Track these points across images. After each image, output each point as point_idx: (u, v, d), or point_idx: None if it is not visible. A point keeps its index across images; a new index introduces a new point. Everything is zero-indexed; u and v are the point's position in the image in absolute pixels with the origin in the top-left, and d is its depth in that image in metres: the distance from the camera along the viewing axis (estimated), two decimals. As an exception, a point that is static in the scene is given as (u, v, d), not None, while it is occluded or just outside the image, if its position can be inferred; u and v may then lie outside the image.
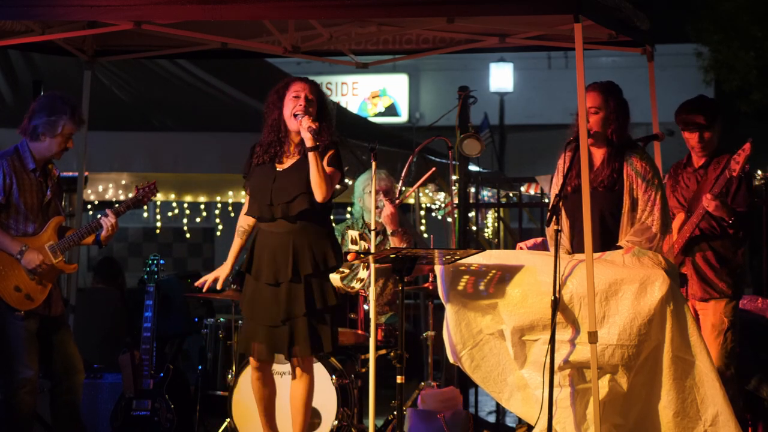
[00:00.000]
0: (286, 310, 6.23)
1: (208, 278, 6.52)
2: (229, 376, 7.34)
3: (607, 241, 6.13)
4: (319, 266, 6.26)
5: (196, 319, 8.83)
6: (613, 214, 6.17)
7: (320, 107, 6.33)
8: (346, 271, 7.00)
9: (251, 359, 6.41)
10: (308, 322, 6.23)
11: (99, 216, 6.74)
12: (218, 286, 6.52)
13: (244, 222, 6.49)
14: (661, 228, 6.10)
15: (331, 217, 6.52)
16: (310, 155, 6.16)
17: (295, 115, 6.25)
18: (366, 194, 7.57)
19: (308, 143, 6.16)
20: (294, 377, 6.37)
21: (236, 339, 7.46)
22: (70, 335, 6.80)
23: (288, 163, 6.34)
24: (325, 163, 6.23)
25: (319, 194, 6.18)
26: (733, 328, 6.73)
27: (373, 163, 6.52)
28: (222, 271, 6.51)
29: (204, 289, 6.55)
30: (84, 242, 6.75)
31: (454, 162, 7.88)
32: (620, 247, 6.06)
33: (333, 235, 6.40)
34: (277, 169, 6.33)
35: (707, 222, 6.73)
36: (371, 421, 6.28)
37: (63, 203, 6.94)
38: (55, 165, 6.80)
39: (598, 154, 6.26)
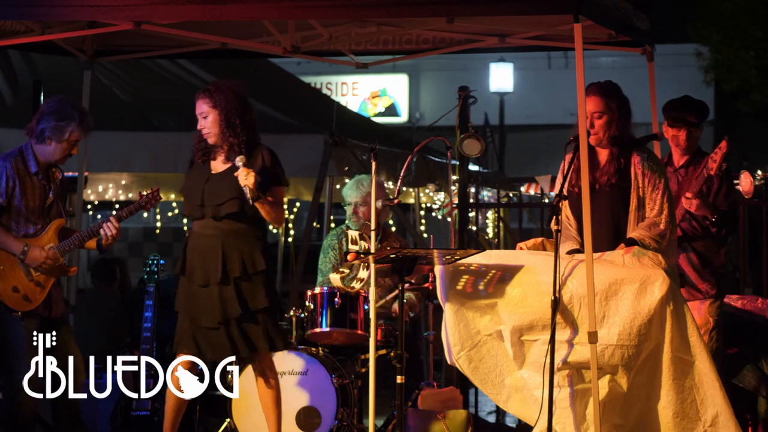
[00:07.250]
0: (222, 311, 6.33)
1: None
2: (229, 376, 7.32)
3: (620, 240, 6.12)
4: (248, 269, 6.33)
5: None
6: (625, 213, 6.15)
7: (227, 116, 6.38)
8: (346, 271, 7.01)
9: (181, 356, 6.47)
10: (243, 324, 6.33)
11: (101, 219, 6.73)
12: None
13: None
14: (668, 225, 6.09)
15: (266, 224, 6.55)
16: (257, 204, 6.25)
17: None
18: (348, 205, 7.60)
19: (250, 200, 6.22)
20: (261, 380, 6.46)
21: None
22: (71, 336, 6.80)
23: (220, 166, 6.40)
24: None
25: (277, 225, 6.36)
26: (717, 328, 6.74)
27: (373, 163, 6.52)
28: None
29: None
30: (87, 246, 6.75)
31: (453, 162, 7.87)
32: (632, 240, 6.02)
33: (264, 239, 6.46)
34: (211, 170, 6.43)
35: (688, 223, 6.72)
36: (371, 421, 6.28)
37: (66, 204, 6.94)
38: (58, 168, 6.79)
39: (603, 153, 6.23)
